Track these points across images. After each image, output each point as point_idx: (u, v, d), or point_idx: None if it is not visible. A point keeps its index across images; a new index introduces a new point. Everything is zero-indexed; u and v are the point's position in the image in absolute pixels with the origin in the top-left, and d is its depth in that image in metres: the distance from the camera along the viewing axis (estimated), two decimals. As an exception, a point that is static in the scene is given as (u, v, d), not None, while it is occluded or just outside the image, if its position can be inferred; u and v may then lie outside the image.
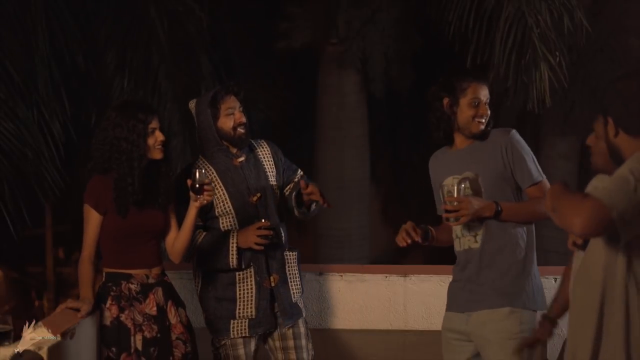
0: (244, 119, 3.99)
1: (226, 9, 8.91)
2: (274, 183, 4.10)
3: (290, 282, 4.07)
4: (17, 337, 3.37)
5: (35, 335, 3.37)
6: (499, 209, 3.49)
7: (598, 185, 2.59)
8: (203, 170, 3.72)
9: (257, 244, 3.88)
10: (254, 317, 3.99)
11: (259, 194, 4.02)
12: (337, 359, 4.46)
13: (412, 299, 4.94)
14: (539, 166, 3.62)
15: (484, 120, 3.68)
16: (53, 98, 6.48)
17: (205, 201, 3.69)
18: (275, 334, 4.10)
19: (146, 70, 7.63)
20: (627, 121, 2.58)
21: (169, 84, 7.75)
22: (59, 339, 3.41)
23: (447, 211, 3.50)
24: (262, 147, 4.17)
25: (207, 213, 4.00)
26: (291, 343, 4.10)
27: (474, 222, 3.56)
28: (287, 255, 4.07)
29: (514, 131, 3.69)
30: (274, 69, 9.61)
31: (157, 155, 3.73)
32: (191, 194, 3.68)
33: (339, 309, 4.99)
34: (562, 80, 6.16)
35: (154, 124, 3.72)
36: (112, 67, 7.65)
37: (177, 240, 3.84)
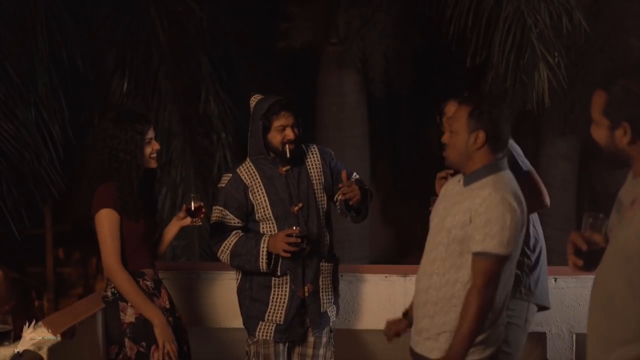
0: (293, 136, 3.94)
1: (226, 9, 8.92)
2: (320, 193, 4.07)
3: (322, 292, 4.07)
4: (17, 337, 3.38)
5: (35, 335, 3.38)
6: None
7: None
8: (198, 194, 3.84)
9: (285, 251, 3.86)
10: (281, 323, 4.00)
11: (300, 204, 4.00)
12: (337, 358, 4.46)
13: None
14: (524, 158, 3.77)
15: None
16: (52, 99, 6.48)
17: (197, 223, 3.82)
18: (297, 340, 4.12)
19: (146, 71, 7.64)
20: None
21: (169, 84, 7.76)
22: (59, 339, 3.42)
23: None
24: (312, 154, 4.12)
25: (248, 216, 4.01)
26: (310, 351, 4.12)
27: None
28: (322, 266, 4.07)
29: None
30: (274, 69, 9.62)
31: (153, 164, 3.81)
32: (181, 215, 3.79)
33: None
34: (561, 80, 6.16)
35: (150, 133, 3.78)
36: (112, 68, 7.66)
37: (160, 246, 3.95)
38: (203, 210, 3.79)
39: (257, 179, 4.00)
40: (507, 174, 3.17)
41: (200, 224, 3.83)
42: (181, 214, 3.81)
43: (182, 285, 5.15)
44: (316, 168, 4.09)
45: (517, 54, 6.20)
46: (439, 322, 3.17)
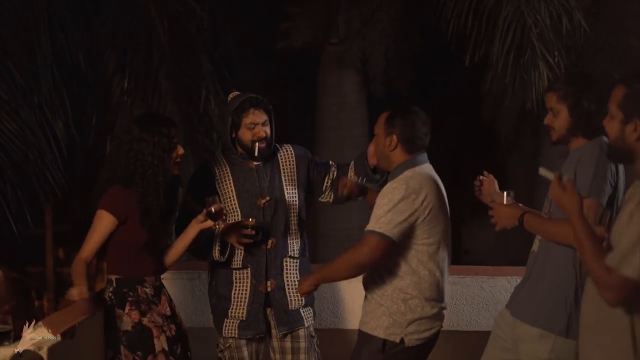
0: (263, 134, 3.95)
1: (226, 9, 8.91)
2: (291, 190, 4.06)
3: (288, 289, 4.01)
4: (17, 337, 3.38)
5: (35, 335, 3.37)
6: (521, 220, 3.32)
7: (615, 255, 2.54)
8: (217, 196, 3.81)
9: (239, 242, 3.86)
10: (244, 319, 3.98)
11: (267, 198, 3.99)
12: (338, 358, 4.46)
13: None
14: (595, 184, 3.25)
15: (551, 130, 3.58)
16: (55, 99, 6.47)
17: (220, 226, 3.81)
18: (275, 345, 4.06)
19: (147, 70, 7.64)
20: None
21: (170, 84, 7.76)
22: (59, 339, 3.41)
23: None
24: (286, 152, 4.12)
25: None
26: (289, 357, 4.05)
27: None
28: (286, 261, 4.01)
29: (588, 146, 3.39)
30: (274, 69, 9.62)
31: (175, 170, 3.78)
32: (200, 217, 3.74)
33: (339, 309, 4.99)
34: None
35: (177, 138, 3.75)
36: (112, 67, 7.66)
37: (171, 252, 3.88)
38: (224, 212, 3.77)
39: (226, 170, 4.02)
40: (422, 168, 3.51)
41: (223, 226, 3.82)
42: (200, 217, 3.75)
43: (182, 285, 5.15)
44: (289, 165, 4.08)
45: (517, 54, 6.21)
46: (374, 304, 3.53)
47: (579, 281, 3.30)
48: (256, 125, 3.94)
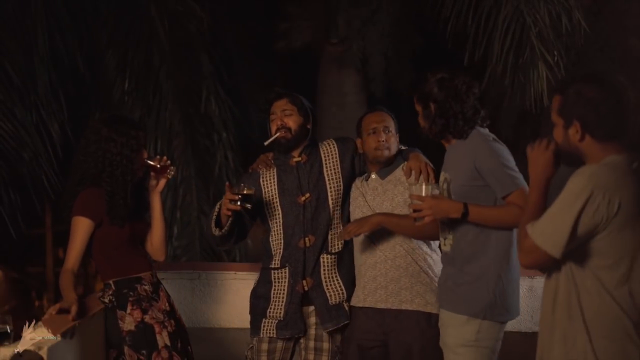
0: (279, 123, 3.95)
1: (226, 9, 8.93)
2: (335, 185, 4.00)
3: (326, 285, 3.94)
4: (17, 337, 3.38)
5: (35, 335, 3.37)
6: (466, 210, 3.40)
7: (535, 223, 2.77)
8: (147, 151, 3.83)
9: (227, 208, 3.81)
10: (282, 318, 3.94)
11: (307, 195, 3.96)
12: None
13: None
14: (515, 172, 3.44)
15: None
16: (52, 99, 6.48)
17: (171, 175, 3.81)
18: (310, 345, 3.98)
19: (147, 71, 7.65)
20: (595, 126, 2.72)
21: (170, 84, 7.77)
22: (59, 339, 3.41)
23: (414, 210, 3.47)
24: (329, 147, 4.07)
25: (261, 210, 4.01)
26: (312, 344, 3.97)
27: (444, 225, 3.57)
28: (322, 258, 3.96)
29: (483, 137, 3.52)
30: (274, 69, 9.63)
31: (140, 172, 3.79)
32: (152, 182, 3.79)
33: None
34: (560, 80, 6.16)
35: (143, 141, 3.78)
36: (113, 68, 7.67)
37: (153, 235, 3.87)
38: (166, 159, 3.80)
39: (272, 169, 4.04)
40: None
41: (173, 172, 3.85)
42: (152, 182, 3.80)
43: (182, 285, 5.16)
44: (332, 159, 4.04)
45: (516, 53, 6.21)
46: (409, 279, 3.83)
47: (505, 267, 3.47)
48: (276, 115, 3.97)
